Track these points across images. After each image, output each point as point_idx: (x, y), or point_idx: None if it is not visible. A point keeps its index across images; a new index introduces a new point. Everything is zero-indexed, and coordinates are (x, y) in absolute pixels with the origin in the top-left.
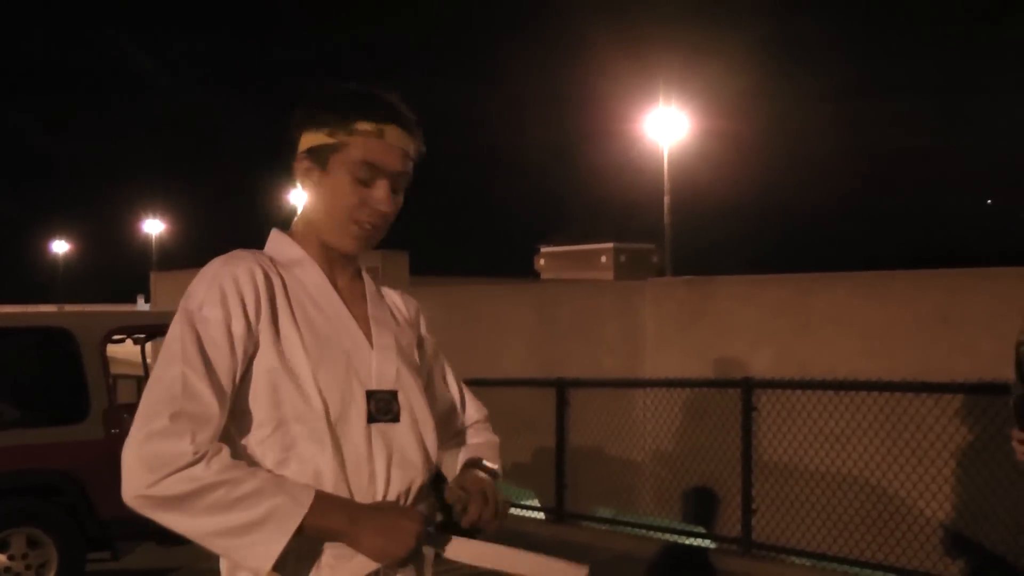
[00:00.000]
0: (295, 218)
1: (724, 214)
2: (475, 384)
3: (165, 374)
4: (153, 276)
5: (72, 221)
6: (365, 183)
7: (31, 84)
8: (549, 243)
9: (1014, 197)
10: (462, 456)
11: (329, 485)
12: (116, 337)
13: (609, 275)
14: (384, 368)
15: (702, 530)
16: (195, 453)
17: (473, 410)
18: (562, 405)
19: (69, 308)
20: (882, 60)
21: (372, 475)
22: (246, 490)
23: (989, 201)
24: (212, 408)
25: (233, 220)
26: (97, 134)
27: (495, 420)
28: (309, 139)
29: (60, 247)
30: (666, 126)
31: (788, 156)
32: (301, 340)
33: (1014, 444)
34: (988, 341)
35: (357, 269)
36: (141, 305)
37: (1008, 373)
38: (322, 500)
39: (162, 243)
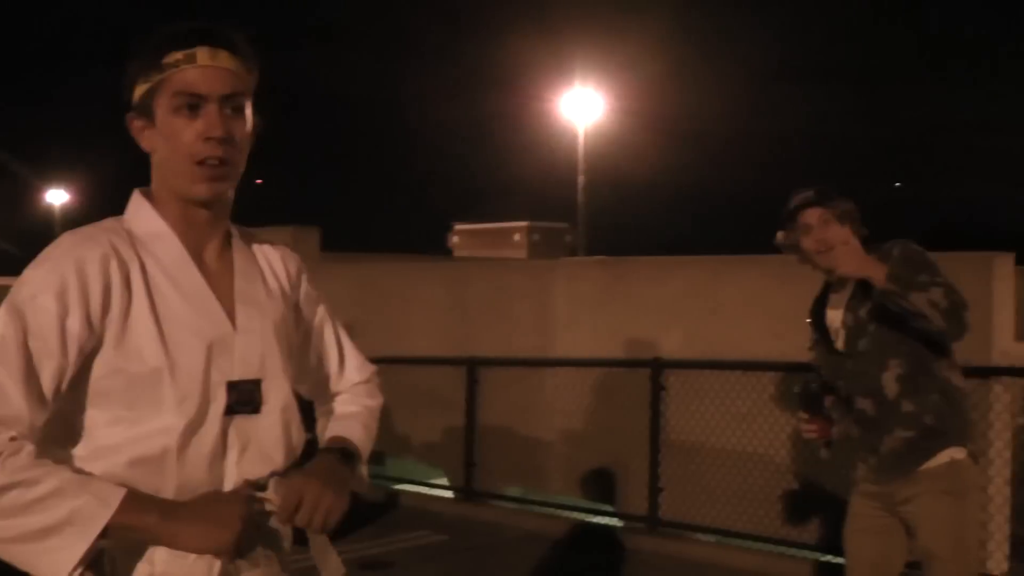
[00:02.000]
0: (152, 182)
1: (639, 195)
2: (386, 362)
3: None
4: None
5: None
6: (192, 115)
7: None
8: (463, 221)
9: (921, 180)
10: (325, 433)
11: (171, 489)
12: None
13: (523, 254)
14: (248, 355)
15: (610, 508)
16: None
17: (354, 371)
18: (473, 384)
19: None
20: (798, 46)
21: (222, 473)
22: (43, 491)
23: (897, 184)
24: (19, 411)
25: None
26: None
27: (404, 399)
28: (132, 97)
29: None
30: (582, 106)
31: (703, 138)
32: (159, 333)
33: (801, 426)
34: None
35: (227, 233)
36: None
37: None
38: (134, 499)
39: (67, 212)
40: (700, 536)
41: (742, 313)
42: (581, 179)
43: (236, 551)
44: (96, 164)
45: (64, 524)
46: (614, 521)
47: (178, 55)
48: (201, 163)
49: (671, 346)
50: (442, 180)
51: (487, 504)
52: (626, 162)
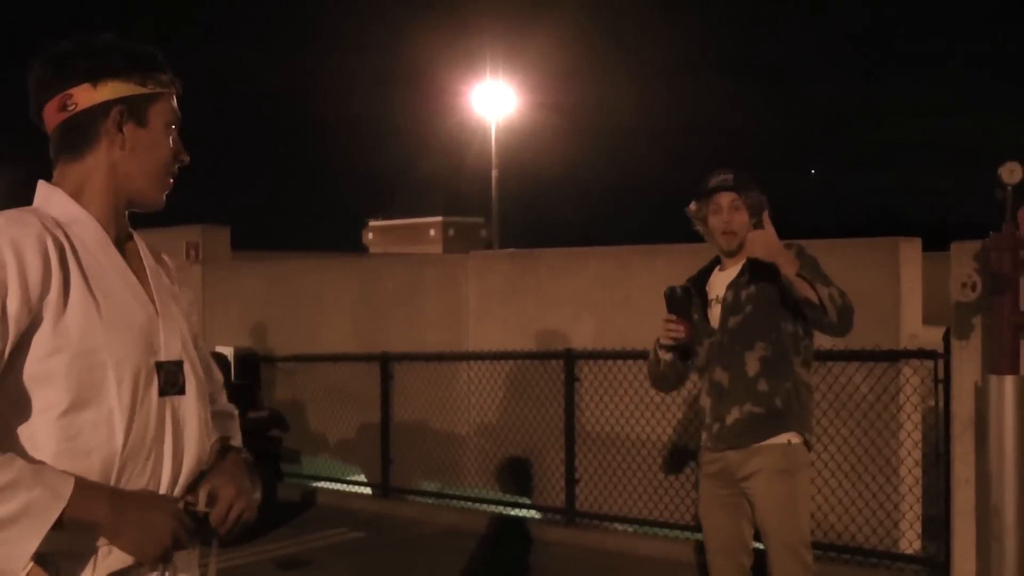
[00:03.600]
0: (69, 172)
1: (552, 188)
2: (299, 359)
3: None
4: None
5: None
6: (170, 133)
7: None
8: (378, 217)
9: (834, 168)
10: (215, 426)
11: (113, 473)
12: None
13: (438, 249)
14: (170, 337)
15: (527, 501)
16: None
17: (214, 376)
18: (386, 379)
19: None
20: (710, 39)
21: (160, 454)
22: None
23: (813, 171)
24: None
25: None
26: None
27: (319, 396)
28: (119, 89)
29: None
30: (493, 100)
31: (616, 131)
32: (98, 311)
33: (667, 326)
34: None
35: (129, 231)
36: None
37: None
38: (83, 490)
39: None
40: (617, 526)
41: (652, 303)
42: (495, 173)
43: (165, 559)
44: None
45: (20, 516)
46: (532, 513)
47: (168, 77)
48: (171, 174)
49: (583, 337)
50: (355, 176)
51: (404, 500)
52: (539, 156)
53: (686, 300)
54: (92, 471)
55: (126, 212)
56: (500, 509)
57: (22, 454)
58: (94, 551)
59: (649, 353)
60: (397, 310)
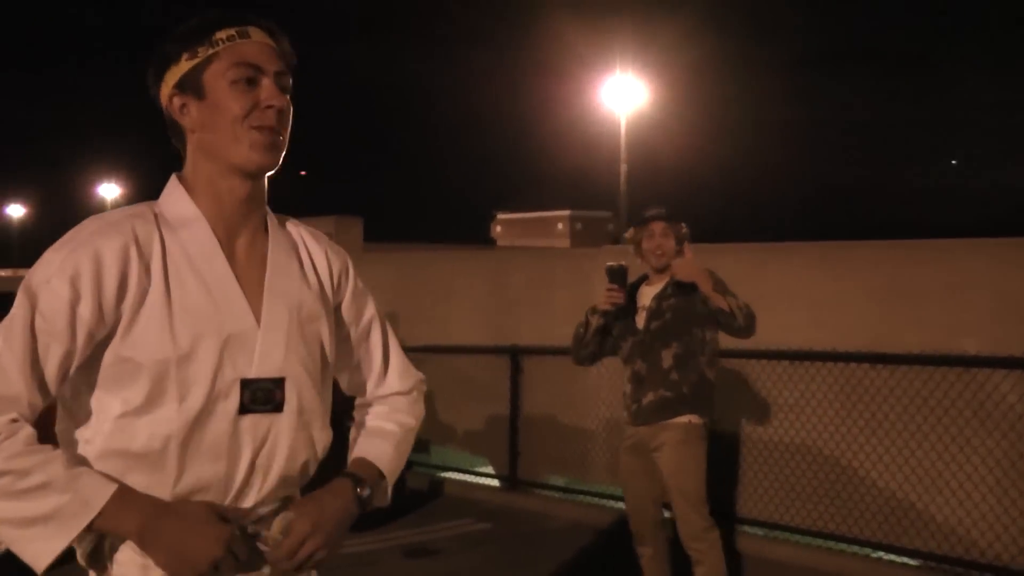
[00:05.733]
0: (184, 168)
1: (681, 182)
2: (428, 351)
3: None
4: None
5: (28, 185)
6: (249, 87)
7: None
8: (505, 210)
9: (976, 160)
10: (354, 448)
11: (170, 484)
12: None
13: (565, 243)
14: (269, 351)
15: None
16: None
17: (396, 379)
18: (516, 373)
19: (24, 272)
20: (842, 29)
21: (231, 474)
22: (32, 483)
23: (954, 162)
24: (18, 392)
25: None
26: (53, 97)
27: (447, 387)
28: (174, 75)
29: (16, 211)
30: (623, 94)
31: (747, 124)
32: (170, 324)
33: (608, 294)
34: (939, 313)
35: (262, 223)
36: None
37: (957, 345)
38: (121, 500)
39: (118, 206)
40: (747, 528)
41: (785, 302)
42: (623, 167)
43: None
44: (148, 157)
45: (48, 519)
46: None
47: (231, 31)
48: (257, 129)
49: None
50: (484, 169)
51: (531, 493)
52: (668, 149)
53: (623, 274)
54: (140, 481)
55: (240, 197)
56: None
57: (75, 454)
58: (144, 560)
59: (581, 325)
60: (527, 303)
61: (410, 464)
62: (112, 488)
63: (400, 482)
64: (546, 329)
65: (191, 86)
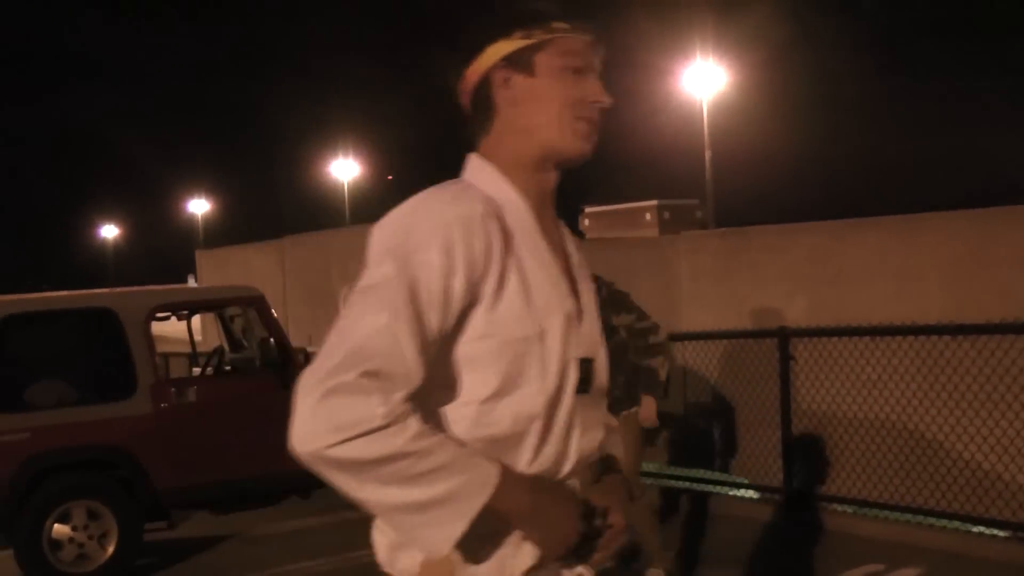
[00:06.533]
0: (486, 148)
1: (763, 164)
2: None
3: (366, 322)
4: (198, 254)
5: (118, 205)
6: (576, 77)
7: (77, 68)
8: (593, 203)
9: None
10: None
11: (524, 466)
12: (160, 315)
13: (654, 232)
14: (591, 331)
15: (743, 480)
16: (386, 416)
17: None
18: None
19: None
20: (920, 2)
21: (564, 453)
22: (433, 464)
23: None
24: (413, 369)
25: (271, 194)
26: (138, 116)
27: None
28: (501, 49)
29: (109, 231)
30: (704, 80)
31: (829, 102)
32: (527, 301)
33: None
34: (1021, 281)
35: (554, 213)
36: (191, 284)
37: None
38: (508, 479)
39: (208, 222)
40: (835, 506)
41: (865, 277)
42: (708, 154)
43: (567, 560)
44: (234, 175)
45: (445, 501)
46: (748, 493)
47: (564, 24)
48: (581, 118)
49: (796, 314)
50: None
51: None
52: (751, 132)
53: None
54: (506, 459)
55: (548, 183)
56: (720, 489)
57: (448, 437)
58: (505, 544)
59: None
60: None
61: None
62: (498, 465)
63: None
64: None
65: (522, 63)
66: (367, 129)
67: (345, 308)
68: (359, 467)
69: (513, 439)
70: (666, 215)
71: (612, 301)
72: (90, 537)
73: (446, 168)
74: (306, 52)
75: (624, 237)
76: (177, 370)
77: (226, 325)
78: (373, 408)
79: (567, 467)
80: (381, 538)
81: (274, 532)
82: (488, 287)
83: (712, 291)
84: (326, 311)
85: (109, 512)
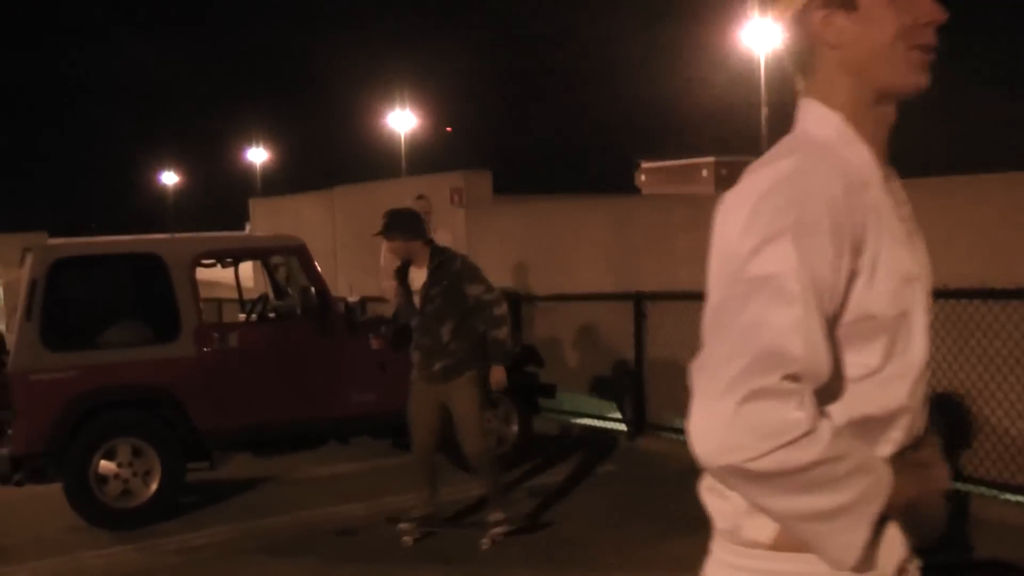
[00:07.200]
0: (811, 91)
1: None
2: (555, 299)
3: (777, 317)
4: (252, 203)
5: (179, 153)
6: (898, 4)
7: (142, 15)
8: (649, 158)
9: None
10: None
11: (893, 443)
12: (205, 262)
13: (710, 189)
14: (928, 296)
15: None
16: (809, 421)
17: None
18: (639, 318)
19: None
20: None
21: (919, 426)
22: (847, 467)
23: None
24: (825, 364)
25: (329, 144)
26: (200, 65)
27: (576, 333)
28: None
29: (169, 178)
30: (762, 35)
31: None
32: (895, 274)
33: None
34: None
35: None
36: (247, 232)
37: None
38: (891, 468)
39: (265, 171)
40: None
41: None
42: (764, 111)
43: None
44: (293, 125)
45: (853, 504)
46: None
47: None
48: (917, 48)
49: None
50: (625, 117)
51: (658, 436)
52: None
53: (407, 336)
54: (871, 445)
55: (889, 126)
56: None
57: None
58: (882, 538)
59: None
60: (649, 249)
61: (538, 408)
62: (884, 460)
63: (527, 426)
64: (668, 274)
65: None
66: (426, 81)
67: (732, 297)
68: (778, 477)
69: (886, 419)
70: (723, 172)
71: (466, 272)
72: (135, 474)
73: (505, 123)
74: (366, 4)
75: (682, 193)
76: (230, 315)
77: (271, 273)
78: (794, 412)
79: (915, 439)
80: (723, 503)
81: (310, 476)
82: (865, 264)
83: None
84: (374, 260)
85: (152, 450)
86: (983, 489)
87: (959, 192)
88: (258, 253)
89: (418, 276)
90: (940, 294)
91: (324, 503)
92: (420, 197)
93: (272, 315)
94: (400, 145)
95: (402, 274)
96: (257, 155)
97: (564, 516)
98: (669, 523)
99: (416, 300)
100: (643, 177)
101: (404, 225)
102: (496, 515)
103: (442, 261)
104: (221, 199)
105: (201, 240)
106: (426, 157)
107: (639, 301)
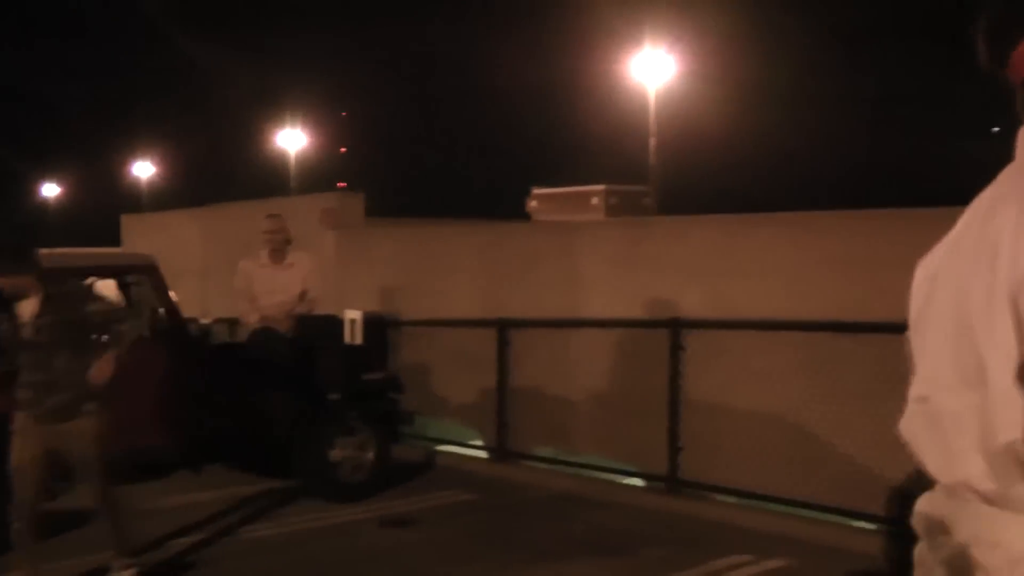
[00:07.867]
0: None
1: (711, 155)
2: (421, 324)
3: None
4: (124, 219)
5: (61, 164)
6: None
7: (23, 23)
8: (542, 185)
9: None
10: None
11: None
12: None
13: (600, 216)
14: None
15: (634, 468)
16: None
17: None
18: (503, 345)
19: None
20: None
21: None
22: None
23: (995, 129)
24: None
25: (218, 161)
26: (85, 76)
27: (443, 359)
28: None
29: (51, 190)
30: (652, 68)
31: (780, 97)
32: None
33: None
34: (903, 281)
35: None
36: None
37: None
38: None
39: (153, 186)
40: (719, 496)
41: (757, 272)
42: (652, 141)
43: None
44: (180, 138)
45: None
46: (637, 481)
47: None
48: None
49: (690, 305)
50: (522, 144)
51: (518, 464)
52: (699, 122)
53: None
54: None
55: None
56: (610, 476)
57: None
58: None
59: None
60: (517, 277)
61: (397, 436)
62: None
63: (384, 454)
64: (535, 302)
65: None
66: (321, 101)
67: None
68: None
69: None
70: (613, 200)
71: (80, 293)
72: None
73: (403, 147)
74: (262, 22)
75: (571, 220)
76: None
77: (125, 292)
78: None
79: None
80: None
81: (160, 506)
82: None
83: (613, 279)
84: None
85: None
86: (833, 517)
87: (818, 228)
88: (108, 271)
89: (27, 307)
90: (793, 325)
91: (176, 534)
92: (271, 216)
93: None
94: (290, 164)
95: (5, 304)
96: (143, 169)
97: (418, 546)
98: (528, 551)
99: (25, 332)
100: (534, 203)
101: (8, 259)
102: (123, 560)
103: (54, 291)
104: (104, 214)
105: (48, 257)
106: (320, 178)
107: (503, 328)
